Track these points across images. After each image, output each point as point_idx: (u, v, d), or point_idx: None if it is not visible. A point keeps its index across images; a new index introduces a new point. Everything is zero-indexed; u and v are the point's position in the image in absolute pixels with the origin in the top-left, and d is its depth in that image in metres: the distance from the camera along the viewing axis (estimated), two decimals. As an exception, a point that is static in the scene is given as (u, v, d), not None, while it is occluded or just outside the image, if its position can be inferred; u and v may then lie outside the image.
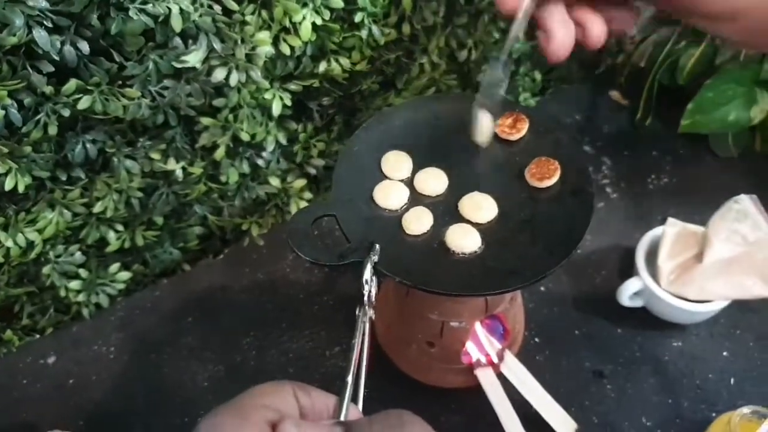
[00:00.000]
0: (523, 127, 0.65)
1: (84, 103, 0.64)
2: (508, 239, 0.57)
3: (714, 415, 0.74)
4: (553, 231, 0.57)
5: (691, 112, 0.97)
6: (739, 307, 0.81)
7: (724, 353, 0.82)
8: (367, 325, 0.49)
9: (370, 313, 0.50)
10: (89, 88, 0.65)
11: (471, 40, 0.90)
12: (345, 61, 0.79)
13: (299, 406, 0.42)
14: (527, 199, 0.60)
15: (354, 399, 0.45)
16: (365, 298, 0.51)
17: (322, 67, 0.78)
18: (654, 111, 1.02)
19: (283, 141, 0.82)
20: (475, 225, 0.59)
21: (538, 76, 1.03)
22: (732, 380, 0.80)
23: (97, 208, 0.76)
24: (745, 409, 0.69)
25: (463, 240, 0.57)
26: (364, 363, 0.47)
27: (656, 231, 0.85)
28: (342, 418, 0.43)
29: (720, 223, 0.79)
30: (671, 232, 0.82)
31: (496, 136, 0.65)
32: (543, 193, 0.60)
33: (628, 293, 0.82)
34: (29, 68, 0.61)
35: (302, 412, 0.42)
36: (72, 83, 0.63)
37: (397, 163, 0.63)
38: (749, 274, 0.76)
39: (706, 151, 1.03)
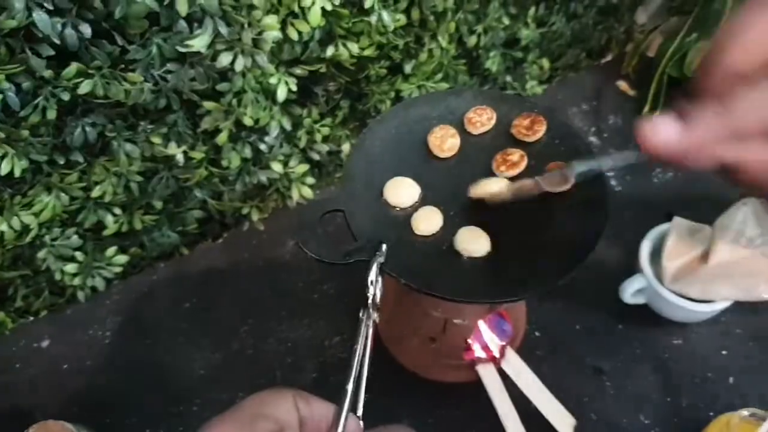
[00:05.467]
0: (541, 129, 0.63)
1: (85, 87, 0.62)
2: (517, 245, 0.56)
3: (712, 414, 0.74)
4: (563, 240, 0.56)
5: (700, 106, 0.96)
6: (740, 307, 0.80)
7: (724, 352, 0.82)
8: (371, 330, 0.48)
9: (375, 316, 0.49)
10: (90, 71, 0.63)
11: (480, 26, 0.88)
12: (353, 47, 0.77)
13: (299, 417, 0.41)
14: (540, 204, 0.58)
15: (354, 408, 0.44)
16: (369, 301, 0.49)
17: (330, 52, 0.76)
18: (662, 103, 1.00)
19: (287, 126, 0.81)
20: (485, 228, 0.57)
21: (546, 64, 1.02)
22: (731, 379, 0.79)
23: (96, 192, 0.74)
24: (745, 412, 0.69)
25: (473, 244, 0.56)
26: (366, 370, 0.46)
27: (661, 228, 0.84)
28: (340, 430, 0.42)
29: (727, 224, 0.78)
30: (676, 230, 0.81)
31: (511, 137, 0.64)
32: (557, 198, 0.59)
33: (630, 290, 0.81)
34: (29, 51, 0.59)
35: (302, 422, 0.42)
36: (73, 67, 0.61)
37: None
38: (754, 277, 0.75)
39: (713, 146, 1.01)
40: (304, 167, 0.87)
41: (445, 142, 0.63)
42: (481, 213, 0.58)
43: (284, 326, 0.83)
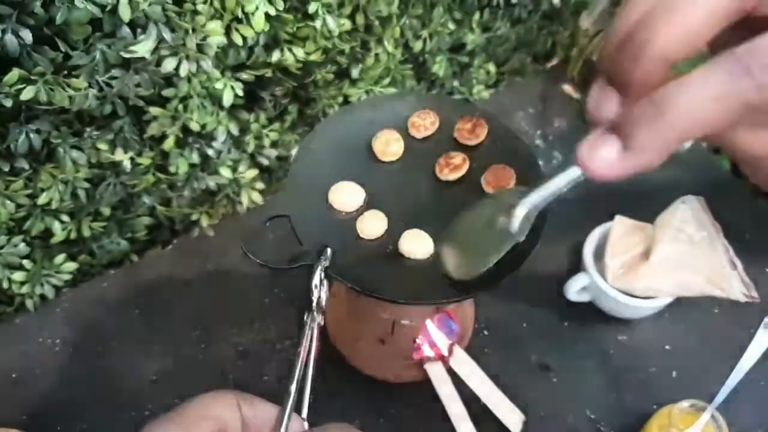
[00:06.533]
0: (482, 133, 0.65)
1: (27, 93, 0.62)
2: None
3: (655, 407, 0.76)
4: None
5: (641, 108, 0.98)
6: (682, 303, 0.83)
7: (667, 347, 0.84)
8: (315, 332, 0.49)
9: (319, 319, 0.50)
10: (33, 78, 0.62)
11: (426, 31, 0.90)
12: (299, 51, 0.77)
13: (242, 417, 0.41)
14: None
15: (298, 409, 0.44)
16: (314, 304, 0.50)
17: (275, 56, 0.77)
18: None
19: (235, 131, 0.81)
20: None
21: (492, 68, 1.04)
22: (674, 373, 0.82)
23: (42, 199, 0.73)
24: (685, 403, 0.71)
25: (417, 246, 0.57)
26: (310, 372, 0.46)
27: (604, 226, 0.86)
28: (283, 431, 0.42)
29: (667, 222, 0.81)
30: (618, 229, 0.84)
31: (454, 141, 0.65)
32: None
33: (575, 288, 0.83)
34: (-33, 58, 0.59)
35: (245, 423, 0.42)
36: (14, 73, 0.61)
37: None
38: (694, 274, 0.77)
39: (654, 146, 1.04)
40: (253, 172, 0.87)
41: (389, 146, 0.64)
42: (425, 216, 0.60)
43: (235, 331, 0.84)
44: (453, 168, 0.62)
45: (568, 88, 1.10)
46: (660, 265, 0.79)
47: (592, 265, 0.83)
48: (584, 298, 0.85)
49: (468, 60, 0.99)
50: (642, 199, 0.93)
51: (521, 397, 0.78)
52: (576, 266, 0.88)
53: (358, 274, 0.56)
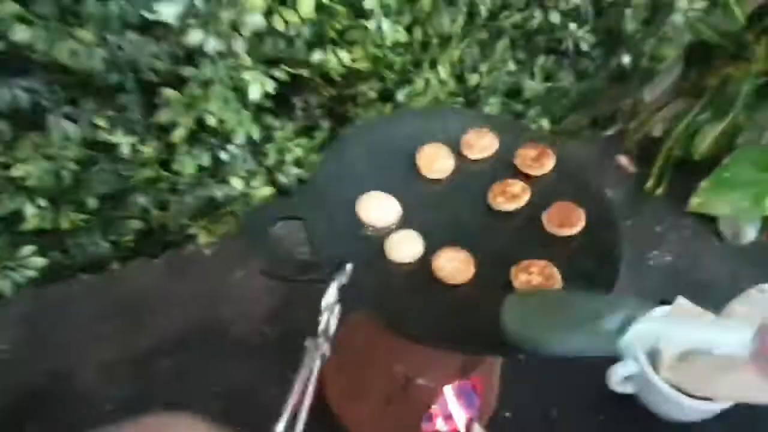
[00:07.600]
0: (548, 163, 0.56)
1: (23, 33, 0.53)
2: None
3: None
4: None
5: (704, 191, 0.91)
6: (742, 408, 0.70)
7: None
8: (318, 363, 0.41)
9: (325, 347, 0.41)
10: (30, 18, 0.53)
11: (485, 65, 0.81)
12: (344, 55, 0.69)
13: None
14: (540, 246, 0.50)
15: None
16: (321, 327, 0.42)
17: (318, 56, 0.68)
18: (667, 182, 0.95)
19: (256, 136, 0.71)
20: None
21: (546, 124, 0.95)
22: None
23: (18, 171, 0.63)
24: None
25: (455, 268, 0.47)
26: (305, 408, 0.39)
27: (659, 310, 0.75)
28: None
29: (737, 311, 0.69)
30: (678, 312, 0.73)
31: (514, 168, 0.55)
32: (562, 242, 0.51)
33: (619, 376, 0.72)
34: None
35: None
36: (10, 6, 0.52)
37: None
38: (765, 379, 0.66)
39: (714, 234, 0.96)
40: (268, 190, 0.77)
41: (435, 161, 0.54)
42: (469, 246, 0.49)
43: (216, 366, 0.72)
44: (510, 197, 0.53)
45: (623, 159, 1.02)
46: (724, 361, 0.67)
47: (642, 352, 0.71)
48: (627, 389, 0.73)
49: (523, 109, 0.90)
50: (697, 286, 0.85)
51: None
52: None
53: (379, 302, 0.46)
